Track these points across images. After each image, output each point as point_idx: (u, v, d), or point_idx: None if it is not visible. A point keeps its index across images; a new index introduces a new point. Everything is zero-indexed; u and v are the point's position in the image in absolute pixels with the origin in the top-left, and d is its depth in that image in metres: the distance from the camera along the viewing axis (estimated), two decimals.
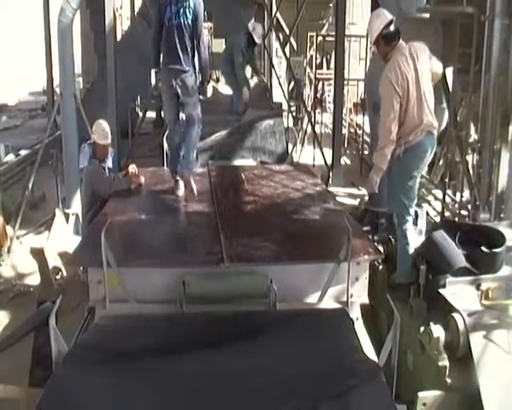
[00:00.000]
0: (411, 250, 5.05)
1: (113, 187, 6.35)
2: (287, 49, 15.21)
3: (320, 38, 16.84)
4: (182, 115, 6.44)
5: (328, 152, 10.49)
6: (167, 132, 7.11)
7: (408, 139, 4.93)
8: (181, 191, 6.26)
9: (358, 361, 3.39)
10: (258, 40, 11.13)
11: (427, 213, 6.49)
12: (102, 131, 6.57)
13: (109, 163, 6.75)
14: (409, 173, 5.01)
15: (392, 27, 5.05)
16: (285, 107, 13.78)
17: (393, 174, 5.03)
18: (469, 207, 7.40)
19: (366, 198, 5.69)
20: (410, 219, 5.10)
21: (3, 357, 5.47)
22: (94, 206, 6.52)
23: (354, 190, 10.34)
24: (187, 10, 5.89)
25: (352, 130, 16.30)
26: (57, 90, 11.04)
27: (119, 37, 14.03)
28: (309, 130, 12.71)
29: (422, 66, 5.02)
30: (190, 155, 6.44)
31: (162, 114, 14.77)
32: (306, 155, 12.44)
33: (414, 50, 5.03)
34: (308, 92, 17.67)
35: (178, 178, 6.28)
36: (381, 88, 4.98)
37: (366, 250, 4.73)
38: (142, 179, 6.53)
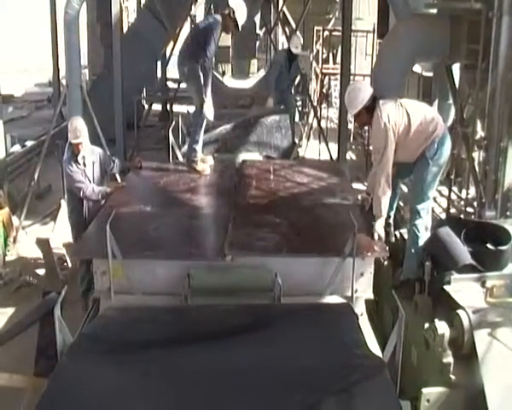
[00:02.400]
0: (421, 246, 5.06)
1: (87, 193, 6.23)
2: None
3: (326, 33, 16.78)
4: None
5: (333, 147, 10.46)
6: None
7: (437, 134, 5.04)
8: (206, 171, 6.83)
9: (363, 357, 3.38)
10: (295, 50, 11.08)
11: (433, 210, 6.47)
12: (74, 129, 6.30)
13: (89, 170, 6.48)
14: (442, 168, 5.16)
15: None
16: None
17: (427, 172, 5.07)
18: (475, 204, 7.38)
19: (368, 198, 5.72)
20: (424, 216, 5.13)
21: (9, 346, 5.49)
22: (72, 203, 6.52)
23: (360, 186, 10.31)
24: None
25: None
26: (63, 81, 11.06)
27: (125, 29, 14.02)
28: (315, 125, 12.67)
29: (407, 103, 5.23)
30: (191, 144, 6.89)
31: (168, 107, 14.81)
32: (312, 149, 12.41)
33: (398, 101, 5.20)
34: (314, 87, 17.60)
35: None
36: (377, 140, 5.15)
37: (371, 247, 4.73)
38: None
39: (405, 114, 5.05)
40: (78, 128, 6.30)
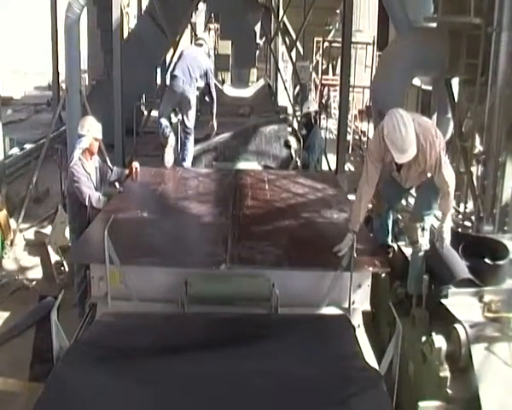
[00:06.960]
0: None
1: (93, 200, 6.10)
2: (293, 54, 15.21)
3: (326, 44, 16.88)
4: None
5: (332, 158, 10.47)
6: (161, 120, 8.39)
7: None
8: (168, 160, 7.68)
9: (359, 369, 3.37)
10: (306, 109, 9.37)
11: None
12: (98, 127, 6.47)
13: (93, 176, 6.44)
14: None
15: None
16: (290, 111, 13.79)
17: (434, 187, 4.92)
18: (473, 218, 7.40)
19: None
20: (428, 229, 5.08)
21: (4, 350, 5.48)
22: (74, 207, 6.30)
23: None
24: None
25: (357, 136, 16.32)
26: (63, 85, 11.07)
27: (125, 34, 14.03)
28: None
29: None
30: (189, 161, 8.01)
31: None
32: None
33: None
34: (313, 97, 17.68)
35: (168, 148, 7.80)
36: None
37: (369, 261, 4.70)
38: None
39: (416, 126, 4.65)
40: (100, 127, 6.49)
